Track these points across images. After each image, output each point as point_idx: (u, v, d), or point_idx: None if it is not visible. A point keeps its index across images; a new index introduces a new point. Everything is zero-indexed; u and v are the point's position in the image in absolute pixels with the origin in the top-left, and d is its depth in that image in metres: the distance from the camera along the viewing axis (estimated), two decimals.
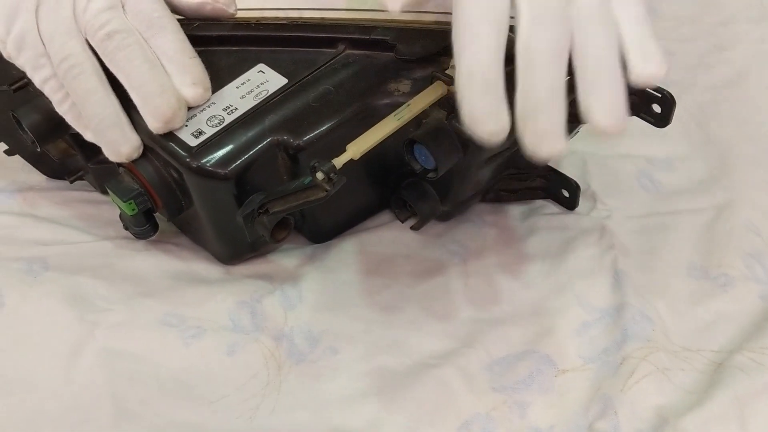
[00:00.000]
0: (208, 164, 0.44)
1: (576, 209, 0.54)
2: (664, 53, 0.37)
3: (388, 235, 0.52)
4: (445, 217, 0.53)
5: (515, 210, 0.54)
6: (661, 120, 0.47)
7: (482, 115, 0.36)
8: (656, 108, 0.47)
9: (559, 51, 0.36)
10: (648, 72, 0.37)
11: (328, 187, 0.42)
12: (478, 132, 0.36)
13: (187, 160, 0.45)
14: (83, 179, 0.56)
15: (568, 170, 0.56)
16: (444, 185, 0.50)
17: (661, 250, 0.51)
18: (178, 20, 0.49)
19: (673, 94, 0.46)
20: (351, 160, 0.43)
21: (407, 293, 0.49)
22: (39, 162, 0.56)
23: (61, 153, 0.54)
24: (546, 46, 0.36)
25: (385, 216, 0.54)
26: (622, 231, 0.52)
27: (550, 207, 0.54)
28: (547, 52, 0.36)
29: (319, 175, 0.42)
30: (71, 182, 0.55)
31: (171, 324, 0.47)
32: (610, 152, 0.58)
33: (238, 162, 0.45)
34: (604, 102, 0.36)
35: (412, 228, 0.52)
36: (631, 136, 0.58)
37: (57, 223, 0.53)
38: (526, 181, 0.54)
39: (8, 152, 0.55)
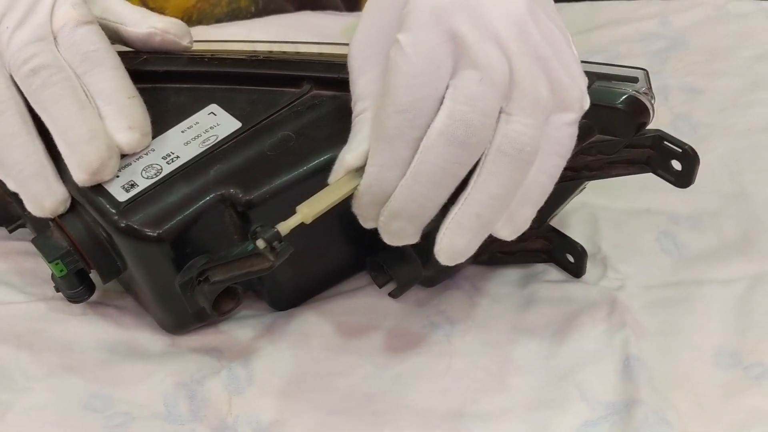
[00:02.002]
0: (137, 223, 0.38)
1: (583, 277, 0.46)
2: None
3: (363, 303, 0.45)
4: (430, 282, 0.46)
5: (512, 275, 0.47)
6: (682, 179, 0.40)
7: (365, 221, 0.37)
8: (676, 165, 0.39)
9: (451, 176, 0.35)
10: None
11: (271, 257, 0.35)
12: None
13: (115, 217, 0.38)
14: (25, 227, 0.49)
15: (577, 228, 0.49)
16: (427, 246, 0.43)
17: (683, 331, 0.44)
18: (125, 53, 0.43)
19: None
20: (303, 224, 0.36)
21: (379, 376, 0.42)
22: None
23: None
24: (439, 167, 0.34)
25: (364, 278, 0.47)
26: (636, 305, 0.45)
27: (553, 272, 0.47)
28: (436, 174, 0.34)
29: (260, 243, 0.35)
30: (10, 231, 0.49)
31: (95, 409, 0.40)
32: (626, 206, 0.51)
33: (174, 221, 0.38)
34: (453, 247, 0.36)
35: (390, 295, 0.45)
36: (652, 188, 0.51)
37: None
38: (525, 242, 0.46)
39: None
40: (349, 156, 0.36)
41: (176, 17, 0.47)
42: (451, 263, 0.36)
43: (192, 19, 0.62)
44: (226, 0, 0.62)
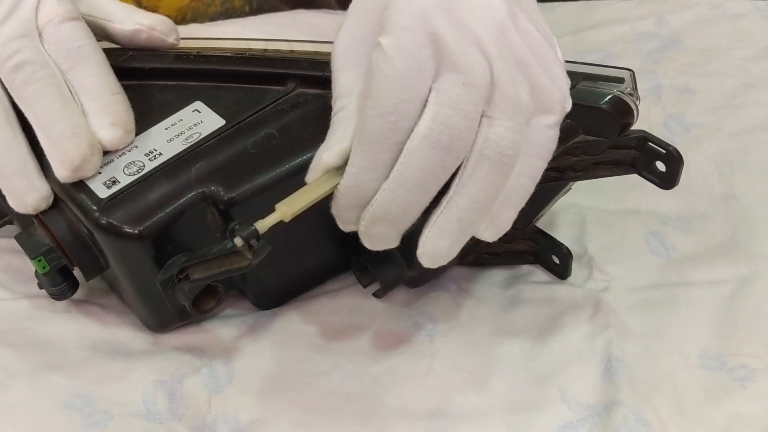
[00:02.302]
0: (117, 220, 0.38)
1: (569, 278, 0.46)
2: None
3: (347, 302, 0.45)
4: (415, 283, 0.46)
5: (498, 276, 0.47)
6: (666, 180, 0.39)
7: (344, 224, 0.36)
8: (660, 166, 0.39)
9: (434, 180, 0.34)
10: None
11: (249, 255, 0.35)
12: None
13: (96, 214, 0.38)
14: (12, 224, 0.49)
15: (564, 229, 0.49)
16: (411, 247, 0.42)
17: (668, 333, 0.43)
18: (112, 50, 0.43)
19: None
20: (282, 222, 0.35)
21: (360, 376, 0.42)
22: None
23: None
24: (423, 171, 0.34)
25: (349, 278, 0.46)
26: (621, 306, 0.44)
27: (539, 274, 0.47)
28: (420, 178, 0.34)
29: (238, 241, 0.35)
30: None
31: (75, 407, 0.40)
32: (615, 207, 0.50)
33: (155, 218, 0.38)
34: (435, 250, 0.35)
35: (374, 295, 0.45)
36: (641, 189, 0.50)
37: None
38: (511, 244, 0.46)
39: None
40: (326, 155, 0.36)
41: (170, 16, 0.47)
42: (433, 266, 0.36)
43: (186, 18, 0.61)
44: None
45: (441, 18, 0.34)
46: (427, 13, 0.34)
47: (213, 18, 0.63)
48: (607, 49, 0.62)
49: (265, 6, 0.63)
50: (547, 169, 0.37)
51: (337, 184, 0.36)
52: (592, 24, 0.64)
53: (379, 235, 0.36)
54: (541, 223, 0.46)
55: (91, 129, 0.39)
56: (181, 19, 0.61)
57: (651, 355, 0.42)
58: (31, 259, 0.41)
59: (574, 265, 0.46)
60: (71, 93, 0.40)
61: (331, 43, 0.40)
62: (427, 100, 0.34)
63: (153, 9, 0.58)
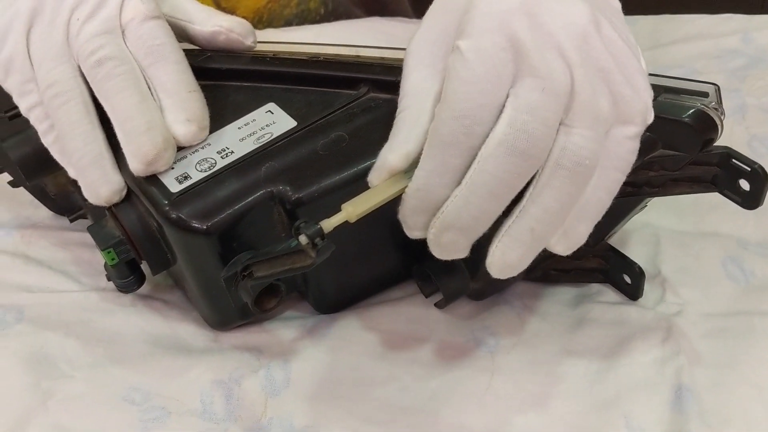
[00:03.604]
0: (186, 215, 0.38)
1: (640, 300, 0.44)
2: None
3: (408, 311, 0.44)
4: (478, 296, 0.45)
5: (565, 294, 0.45)
6: (750, 200, 0.37)
7: (410, 229, 0.35)
8: (744, 184, 0.37)
9: (509, 187, 0.33)
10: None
11: (312, 254, 0.35)
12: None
13: (166, 208, 0.39)
14: (86, 218, 0.51)
15: (638, 248, 0.47)
16: (476, 258, 0.42)
17: (742, 364, 0.41)
18: (191, 50, 0.44)
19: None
20: (347, 223, 0.35)
21: (417, 389, 0.41)
22: (44, 196, 0.51)
23: (58, 188, 0.49)
24: (497, 177, 0.33)
25: (411, 286, 0.46)
26: (694, 333, 0.42)
27: (609, 294, 0.45)
28: (494, 185, 0.33)
29: (303, 239, 0.34)
30: (71, 221, 0.50)
31: (133, 401, 0.40)
32: (692, 229, 0.48)
33: (223, 215, 0.38)
34: (505, 260, 0.35)
35: (436, 305, 0.44)
36: (721, 210, 0.48)
37: (47, 266, 0.48)
38: (581, 260, 0.45)
39: (12, 183, 0.51)
40: (392, 156, 0.35)
41: (247, 17, 0.47)
42: (502, 276, 0.35)
43: (263, 19, 0.62)
44: (296, 1, 0.62)
45: (522, 22, 0.33)
46: (507, 16, 0.33)
47: (288, 20, 0.63)
48: (689, 65, 0.60)
49: (339, 9, 0.63)
50: (622, 183, 0.35)
51: (405, 187, 0.35)
52: (674, 39, 0.62)
53: (449, 244, 0.35)
54: (613, 241, 0.45)
55: (166, 124, 0.40)
56: (257, 20, 0.61)
57: (723, 386, 0.40)
58: (101, 250, 0.41)
59: (646, 287, 0.44)
60: (150, 89, 0.40)
61: (404, 49, 0.39)
62: (503, 106, 0.33)
63: (231, 10, 0.59)
